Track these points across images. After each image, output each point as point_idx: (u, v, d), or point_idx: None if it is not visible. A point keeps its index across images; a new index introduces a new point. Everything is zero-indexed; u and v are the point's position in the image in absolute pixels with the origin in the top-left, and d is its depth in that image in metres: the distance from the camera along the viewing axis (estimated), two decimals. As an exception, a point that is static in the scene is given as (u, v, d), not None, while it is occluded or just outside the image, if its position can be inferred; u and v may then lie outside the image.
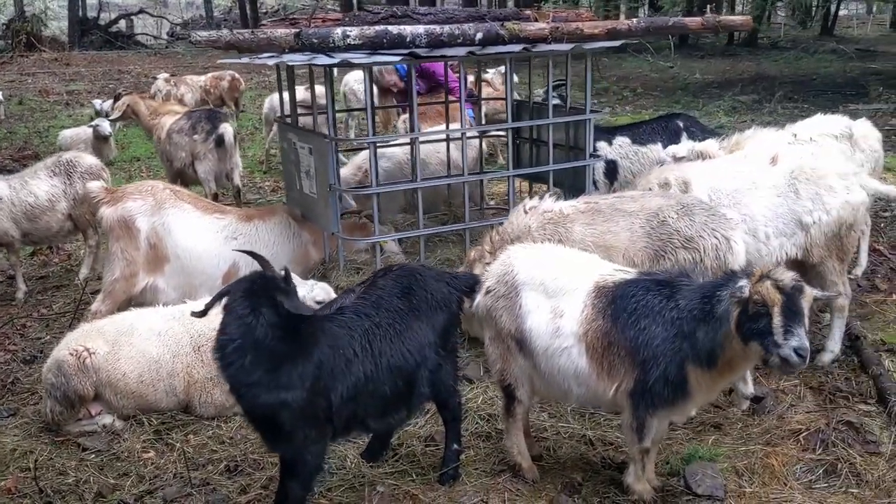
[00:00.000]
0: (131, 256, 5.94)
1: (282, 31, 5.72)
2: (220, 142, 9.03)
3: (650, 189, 5.73)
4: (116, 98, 10.15)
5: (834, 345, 5.76)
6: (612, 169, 7.64)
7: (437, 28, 6.05)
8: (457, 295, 4.33)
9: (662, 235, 4.96)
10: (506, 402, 4.55)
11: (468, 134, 8.04)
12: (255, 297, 3.60)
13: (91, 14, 34.18)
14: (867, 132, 6.80)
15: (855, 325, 6.06)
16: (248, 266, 6.15)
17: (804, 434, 4.79)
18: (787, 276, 3.75)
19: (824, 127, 6.77)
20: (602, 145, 7.69)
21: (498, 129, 7.97)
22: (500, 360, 4.48)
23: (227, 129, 8.97)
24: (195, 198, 6.35)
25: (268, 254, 6.17)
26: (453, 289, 4.33)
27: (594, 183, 7.61)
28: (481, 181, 7.78)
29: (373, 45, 5.90)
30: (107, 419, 5.15)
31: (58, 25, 36.48)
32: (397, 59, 5.84)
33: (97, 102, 16.09)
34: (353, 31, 5.83)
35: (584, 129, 6.85)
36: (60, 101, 20.87)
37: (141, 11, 34.56)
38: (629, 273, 4.28)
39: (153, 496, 4.51)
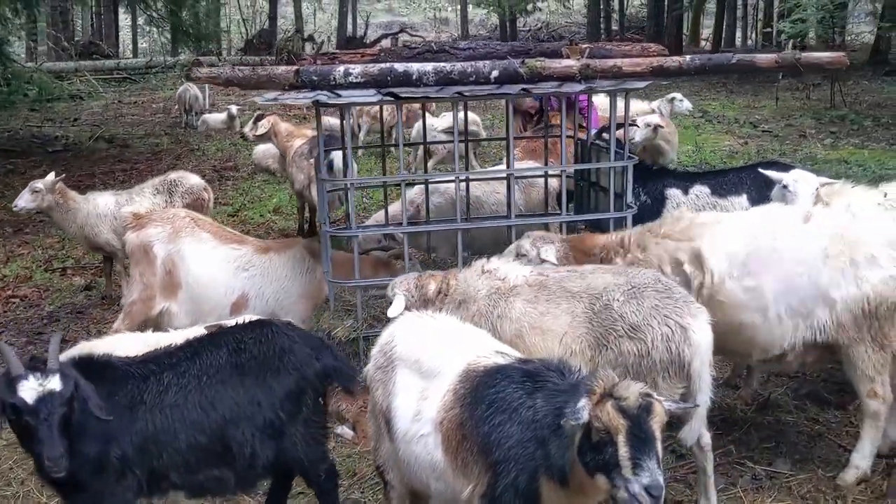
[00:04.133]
0: (149, 281, 6.23)
1: (282, 69, 5.72)
2: (330, 167, 9.25)
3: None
4: (258, 118, 10.76)
5: (861, 460, 4.67)
6: (685, 221, 6.72)
7: (447, 66, 5.72)
8: (318, 366, 4.07)
9: (605, 321, 4.23)
10: (383, 484, 4.19)
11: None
12: None
13: (359, 33, 36.72)
14: None
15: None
16: (258, 297, 6.26)
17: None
18: (633, 393, 3.10)
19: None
20: (675, 193, 6.82)
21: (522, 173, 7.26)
22: (373, 436, 4.15)
23: (337, 155, 9.16)
24: (217, 227, 6.52)
25: (279, 286, 6.26)
26: (317, 359, 4.07)
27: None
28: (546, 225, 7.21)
29: (376, 83, 5.72)
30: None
31: (331, 44, 39.64)
32: (375, 99, 5.60)
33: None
34: (356, 69, 5.70)
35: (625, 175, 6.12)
36: (299, 115, 22.59)
37: (401, 31, 36.46)
38: (506, 357, 3.75)
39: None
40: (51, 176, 8.03)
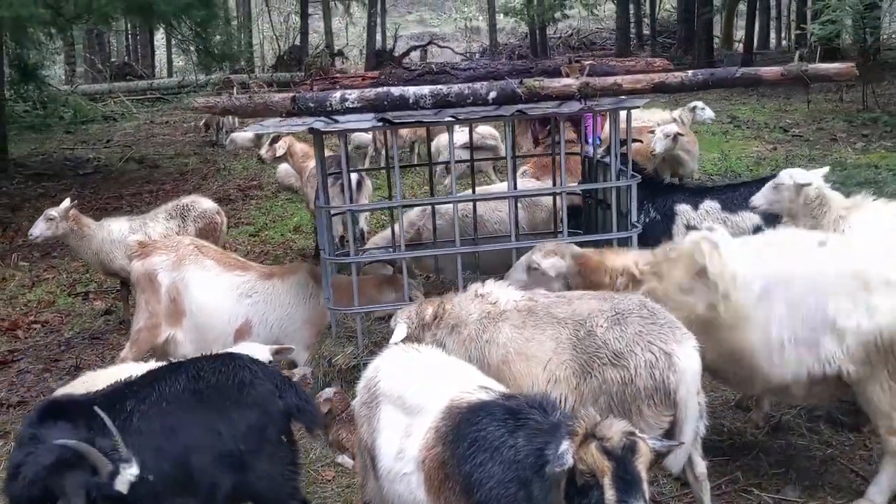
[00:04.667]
0: (154, 309, 6.26)
1: (279, 97, 5.71)
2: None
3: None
4: (274, 140, 10.77)
5: (876, 494, 4.47)
6: (695, 238, 6.57)
7: (444, 88, 5.66)
8: (280, 403, 4.03)
9: (589, 348, 4.13)
10: (373, 521, 4.13)
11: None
12: None
13: (389, 45, 36.84)
14: None
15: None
16: (261, 323, 6.24)
17: None
18: (616, 433, 3.03)
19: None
20: (685, 209, 6.69)
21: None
22: (360, 472, 4.10)
23: (350, 176, 9.17)
24: (221, 254, 6.53)
25: (282, 312, 6.24)
26: (280, 397, 4.04)
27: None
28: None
29: (373, 108, 5.68)
30: None
31: (363, 57, 39.77)
32: (368, 125, 5.56)
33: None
34: (353, 94, 5.67)
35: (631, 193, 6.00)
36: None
37: (429, 43, 36.47)
38: (489, 392, 3.67)
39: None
40: (65, 203, 8.11)
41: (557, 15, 31.53)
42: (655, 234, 6.51)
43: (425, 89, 5.65)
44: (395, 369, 3.95)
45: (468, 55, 39.01)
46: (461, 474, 3.43)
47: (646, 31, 38.54)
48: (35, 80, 21.44)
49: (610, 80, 5.64)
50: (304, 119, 5.78)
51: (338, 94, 5.66)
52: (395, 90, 5.66)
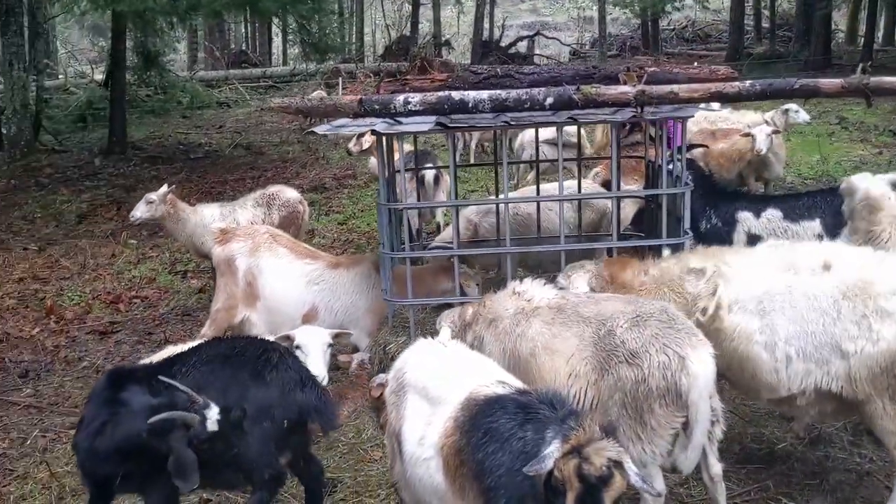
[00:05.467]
0: (232, 291, 6.76)
1: (347, 99, 6.06)
2: (421, 181, 9.61)
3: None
4: (361, 134, 11.19)
5: (895, 506, 4.46)
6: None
7: (502, 93, 5.88)
8: (299, 396, 4.44)
9: (608, 347, 4.31)
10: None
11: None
12: None
13: (497, 35, 36.97)
14: None
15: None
16: (327, 310, 6.65)
17: None
18: (601, 458, 3.20)
19: None
20: (746, 216, 6.69)
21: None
22: (389, 455, 4.42)
23: (428, 172, 9.54)
24: (293, 243, 6.97)
25: (346, 300, 6.63)
26: (301, 391, 4.45)
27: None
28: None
29: (434, 111, 5.96)
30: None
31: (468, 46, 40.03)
32: (426, 128, 5.83)
33: None
34: (415, 98, 5.96)
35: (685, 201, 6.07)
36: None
37: (537, 34, 36.42)
38: (506, 387, 3.92)
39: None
40: (163, 188, 8.75)
41: (668, 8, 30.84)
42: (716, 241, 6.55)
43: (484, 94, 5.88)
44: (421, 362, 4.24)
45: (578, 46, 38.75)
46: (474, 461, 3.69)
47: (765, 25, 37.26)
48: (157, 67, 22.76)
49: (666, 88, 5.72)
50: (370, 120, 6.12)
51: (401, 97, 5.96)
52: (456, 94, 5.91)
